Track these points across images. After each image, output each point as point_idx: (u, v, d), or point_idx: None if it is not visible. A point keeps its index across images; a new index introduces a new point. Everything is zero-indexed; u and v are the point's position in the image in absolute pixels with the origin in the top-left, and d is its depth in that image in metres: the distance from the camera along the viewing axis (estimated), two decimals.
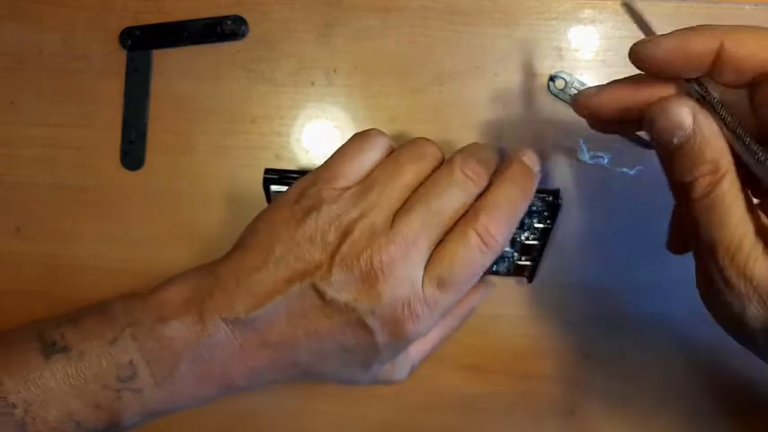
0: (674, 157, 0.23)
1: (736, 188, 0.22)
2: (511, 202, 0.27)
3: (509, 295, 0.36)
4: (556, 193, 0.32)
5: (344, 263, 0.26)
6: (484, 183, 0.27)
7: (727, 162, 0.22)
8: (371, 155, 0.28)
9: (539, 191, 0.30)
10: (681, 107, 0.22)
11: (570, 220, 0.34)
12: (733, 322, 0.23)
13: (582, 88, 0.34)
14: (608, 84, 0.26)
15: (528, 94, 0.35)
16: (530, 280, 0.35)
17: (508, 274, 0.35)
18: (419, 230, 0.26)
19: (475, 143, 0.30)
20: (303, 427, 0.37)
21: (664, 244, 0.30)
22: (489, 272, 0.34)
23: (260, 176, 0.35)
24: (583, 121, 0.35)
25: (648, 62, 0.23)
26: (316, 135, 0.35)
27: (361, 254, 0.26)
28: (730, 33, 0.22)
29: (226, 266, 0.28)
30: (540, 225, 0.32)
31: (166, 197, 0.36)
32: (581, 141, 0.34)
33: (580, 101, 0.26)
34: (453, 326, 0.33)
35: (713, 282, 0.23)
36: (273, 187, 0.31)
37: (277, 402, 0.36)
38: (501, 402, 0.36)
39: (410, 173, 0.27)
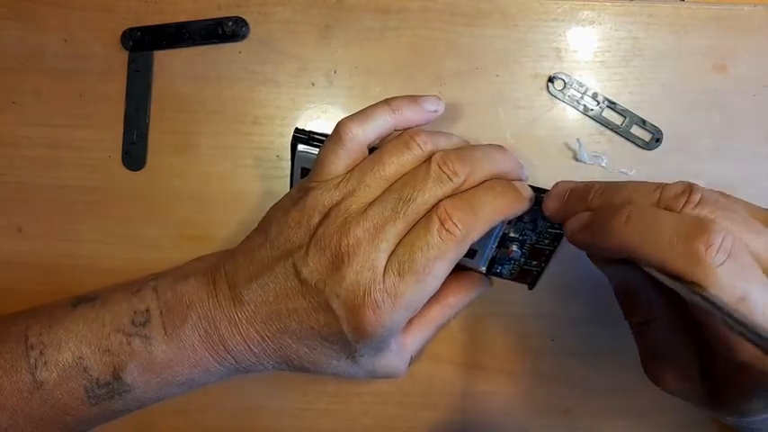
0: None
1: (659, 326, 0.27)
2: (482, 203, 0.27)
3: (509, 294, 0.36)
4: None
5: (319, 245, 0.27)
6: (460, 179, 0.27)
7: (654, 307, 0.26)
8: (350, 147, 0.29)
9: None
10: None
11: None
12: None
13: (581, 89, 0.35)
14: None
15: (527, 94, 0.35)
16: (531, 287, 0.35)
17: (511, 277, 0.35)
18: (388, 217, 0.26)
19: (472, 146, 0.30)
20: (303, 426, 0.37)
21: None
22: (493, 273, 0.35)
23: (260, 176, 0.35)
24: (582, 122, 0.35)
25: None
26: None
27: (332, 236, 0.26)
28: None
29: (241, 244, 0.31)
30: (554, 230, 0.32)
31: (167, 197, 0.36)
32: (580, 142, 0.34)
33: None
34: (448, 315, 0.33)
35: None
36: (300, 146, 0.31)
37: (277, 401, 0.37)
38: (500, 401, 0.36)
39: (390, 164, 0.28)
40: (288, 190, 0.33)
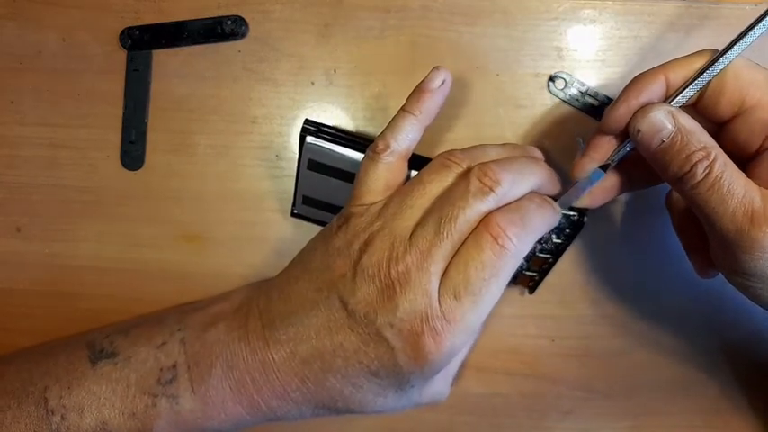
0: (667, 156, 0.25)
1: (731, 162, 0.25)
2: (530, 214, 0.26)
3: (510, 295, 0.36)
4: (582, 211, 0.31)
5: (365, 273, 0.25)
6: (503, 188, 0.26)
7: (714, 144, 0.25)
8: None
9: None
10: (658, 112, 0.25)
11: None
12: (761, 280, 0.25)
13: (582, 88, 0.34)
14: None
15: (528, 94, 0.35)
16: (531, 291, 0.35)
17: (513, 281, 0.34)
18: (432, 240, 0.25)
19: (509, 158, 0.28)
20: (304, 427, 0.37)
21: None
22: None
23: (259, 176, 0.35)
24: (582, 121, 0.35)
25: (618, 124, 0.27)
26: None
27: (380, 264, 0.25)
28: (668, 67, 0.26)
29: (277, 277, 0.30)
30: (558, 240, 0.32)
31: (166, 197, 0.36)
32: (580, 141, 0.34)
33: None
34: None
35: (731, 248, 0.25)
36: (309, 138, 0.31)
37: None
38: (501, 402, 0.36)
39: (430, 183, 0.27)
40: (293, 185, 0.33)
